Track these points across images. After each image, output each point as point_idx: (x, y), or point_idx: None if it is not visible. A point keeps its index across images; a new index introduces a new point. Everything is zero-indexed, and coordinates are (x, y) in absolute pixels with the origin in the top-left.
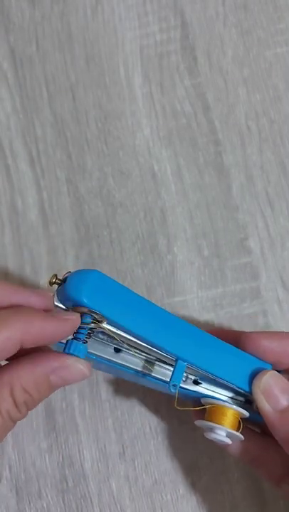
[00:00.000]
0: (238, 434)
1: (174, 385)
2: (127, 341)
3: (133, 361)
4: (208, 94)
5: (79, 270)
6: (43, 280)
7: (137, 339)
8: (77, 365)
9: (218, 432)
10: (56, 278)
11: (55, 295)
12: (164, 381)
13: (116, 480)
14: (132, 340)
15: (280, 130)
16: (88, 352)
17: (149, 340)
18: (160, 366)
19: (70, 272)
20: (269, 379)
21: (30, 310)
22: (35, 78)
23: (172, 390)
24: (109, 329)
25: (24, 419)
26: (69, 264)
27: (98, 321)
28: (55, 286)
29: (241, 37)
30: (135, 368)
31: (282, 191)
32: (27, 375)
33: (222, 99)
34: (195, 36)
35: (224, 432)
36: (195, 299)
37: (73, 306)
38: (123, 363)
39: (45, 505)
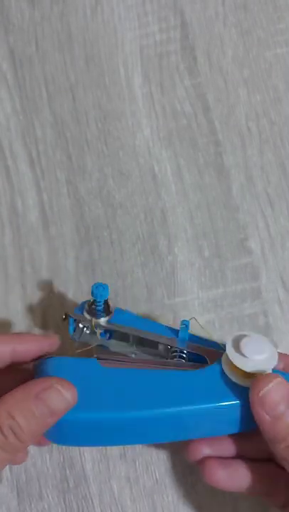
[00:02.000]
0: None
1: None
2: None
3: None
4: (208, 94)
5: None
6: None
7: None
8: (57, 387)
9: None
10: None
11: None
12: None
13: (117, 481)
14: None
15: (281, 131)
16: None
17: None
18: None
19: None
20: (267, 386)
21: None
22: (35, 79)
23: None
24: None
25: None
26: (69, 265)
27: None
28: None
29: (241, 37)
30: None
31: (283, 192)
32: (11, 397)
33: (222, 99)
34: (195, 36)
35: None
36: (196, 300)
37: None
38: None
39: (46, 506)
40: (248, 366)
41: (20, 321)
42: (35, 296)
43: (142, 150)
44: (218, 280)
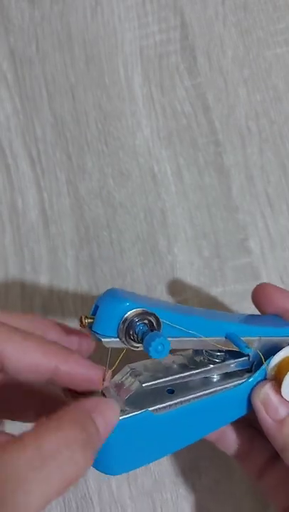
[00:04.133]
0: None
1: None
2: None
3: (191, 387)
4: (208, 94)
5: (101, 295)
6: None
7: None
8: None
9: None
10: (86, 317)
11: (94, 332)
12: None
13: (116, 479)
14: (182, 341)
15: (281, 130)
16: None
17: (203, 321)
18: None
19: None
20: (268, 390)
21: (68, 350)
22: (35, 79)
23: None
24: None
25: None
26: (69, 265)
27: (151, 322)
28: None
29: (241, 37)
30: (197, 393)
31: (283, 191)
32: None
33: (222, 99)
34: (195, 36)
35: None
36: (195, 299)
37: (119, 322)
38: (183, 399)
39: None
40: None
41: None
42: (35, 295)
43: (142, 150)
44: (218, 280)
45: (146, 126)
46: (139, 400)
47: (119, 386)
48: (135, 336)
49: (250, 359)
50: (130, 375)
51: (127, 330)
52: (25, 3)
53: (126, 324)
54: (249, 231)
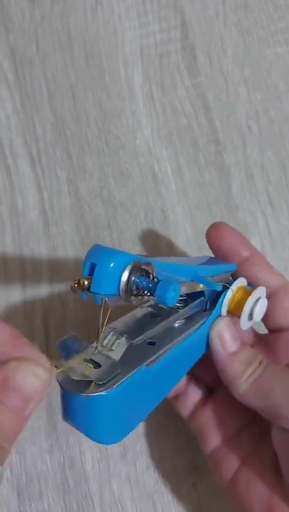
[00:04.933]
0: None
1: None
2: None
3: (166, 336)
4: (208, 93)
5: (92, 253)
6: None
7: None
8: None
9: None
10: (81, 278)
11: (95, 293)
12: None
13: (117, 481)
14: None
15: (281, 129)
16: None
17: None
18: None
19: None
20: (223, 325)
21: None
22: (36, 78)
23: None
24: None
25: None
26: (69, 265)
27: (148, 272)
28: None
29: (241, 36)
30: (174, 340)
31: (283, 190)
32: None
33: (222, 98)
34: (195, 36)
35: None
36: None
37: (120, 278)
38: (166, 348)
39: (46, 506)
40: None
41: (21, 320)
42: (36, 295)
43: (143, 149)
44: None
45: (146, 125)
46: (130, 357)
47: (107, 348)
48: (139, 289)
49: (206, 298)
50: (114, 335)
51: (131, 285)
52: (26, 3)
53: (129, 279)
54: (250, 230)
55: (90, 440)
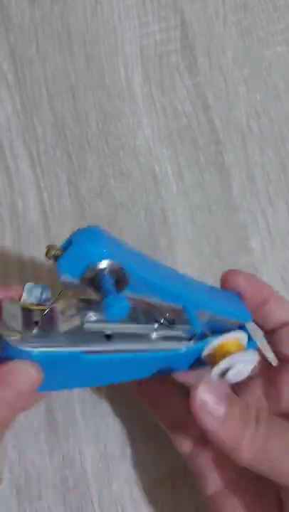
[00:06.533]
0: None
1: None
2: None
3: (129, 338)
4: (208, 93)
5: (80, 230)
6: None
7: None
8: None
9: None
10: (54, 248)
11: (57, 267)
12: (172, 350)
13: (117, 480)
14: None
15: (281, 129)
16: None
17: (164, 288)
18: (156, 339)
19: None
20: (203, 394)
21: None
22: (35, 78)
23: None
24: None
25: (24, 419)
26: None
27: (119, 277)
28: (52, 259)
29: (241, 36)
30: (132, 347)
31: (283, 190)
32: None
33: (222, 98)
34: (195, 36)
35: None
36: None
37: (88, 267)
38: (119, 349)
39: (45, 506)
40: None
41: None
42: None
43: (143, 149)
44: (218, 279)
45: (146, 125)
46: (75, 336)
47: (61, 315)
48: (98, 286)
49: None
50: (76, 308)
51: (94, 279)
52: (26, 3)
53: (94, 273)
54: (250, 230)
55: (89, 440)
